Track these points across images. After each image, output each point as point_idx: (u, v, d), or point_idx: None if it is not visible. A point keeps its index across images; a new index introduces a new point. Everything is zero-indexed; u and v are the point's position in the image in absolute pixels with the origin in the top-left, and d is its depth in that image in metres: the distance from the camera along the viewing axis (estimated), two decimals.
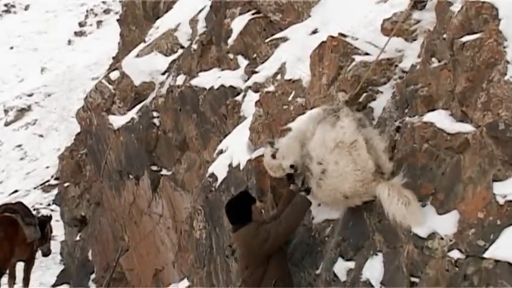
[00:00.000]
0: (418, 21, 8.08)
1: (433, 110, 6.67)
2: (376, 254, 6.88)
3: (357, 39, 8.57)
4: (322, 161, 7.24)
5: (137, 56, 17.36)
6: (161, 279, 15.57)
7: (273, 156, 7.88)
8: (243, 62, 12.93)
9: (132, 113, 16.15)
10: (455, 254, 5.95)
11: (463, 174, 6.12)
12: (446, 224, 6.10)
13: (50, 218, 20.42)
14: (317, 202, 7.83)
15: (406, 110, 7.12)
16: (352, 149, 7.02)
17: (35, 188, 35.42)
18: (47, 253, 20.38)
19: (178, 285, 13.33)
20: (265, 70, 11.23)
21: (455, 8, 6.66)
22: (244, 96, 11.69)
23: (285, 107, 9.29)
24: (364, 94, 7.95)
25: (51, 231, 20.57)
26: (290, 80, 9.69)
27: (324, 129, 7.33)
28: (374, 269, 6.80)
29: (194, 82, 13.76)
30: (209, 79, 13.33)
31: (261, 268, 7.78)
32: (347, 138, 7.06)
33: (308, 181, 7.54)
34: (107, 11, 62.51)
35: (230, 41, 13.43)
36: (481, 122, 6.04)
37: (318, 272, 7.71)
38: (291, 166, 7.71)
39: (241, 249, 8.16)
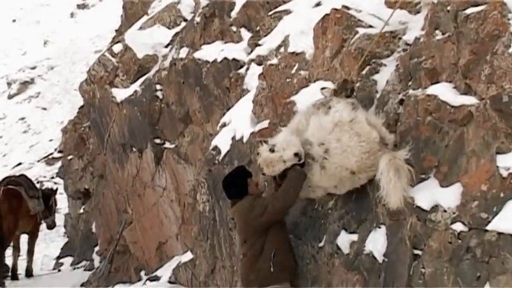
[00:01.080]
0: None
1: (436, 82, 6.66)
2: (379, 227, 6.89)
3: (360, 11, 8.53)
4: (323, 142, 7.18)
5: (140, 28, 17.30)
6: (165, 252, 15.62)
7: (271, 150, 7.62)
8: (246, 35, 12.90)
9: (135, 86, 16.12)
10: (458, 227, 5.96)
11: (467, 147, 6.12)
12: (449, 197, 6.11)
13: (54, 191, 20.52)
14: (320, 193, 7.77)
15: (410, 83, 7.11)
16: (353, 124, 7.00)
17: (38, 161, 35.54)
18: (51, 226, 20.51)
19: (181, 258, 13.38)
20: (269, 43, 11.19)
21: None
22: (247, 69, 11.67)
23: (288, 79, 9.27)
24: (368, 67, 7.93)
25: (56, 204, 20.69)
26: (293, 52, 9.66)
27: (319, 117, 7.29)
28: (377, 241, 6.82)
29: (197, 55, 13.73)
30: (212, 52, 13.30)
31: (260, 240, 7.82)
32: (344, 117, 7.05)
33: (310, 169, 7.42)
34: None
35: (233, 14, 13.40)
36: (484, 94, 6.04)
37: (321, 244, 7.73)
38: (295, 154, 7.42)
39: (239, 222, 8.21)
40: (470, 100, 6.20)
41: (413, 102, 6.74)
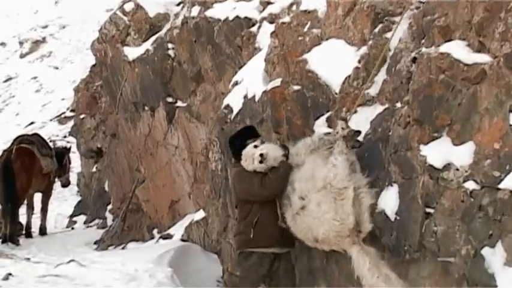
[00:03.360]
0: None
1: (450, 40, 6.62)
2: (392, 185, 6.91)
3: None
4: (305, 197, 7.25)
5: None
6: (177, 210, 15.69)
7: (255, 146, 7.80)
8: None
9: (147, 45, 16.07)
10: (470, 185, 5.97)
11: (480, 105, 6.10)
12: (462, 155, 6.12)
13: (68, 149, 20.56)
14: None
15: (423, 41, 7.07)
16: (339, 196, 7.00)
17: (51, 120, 35.57)
18: (66, 184, 20.57)
19: (194, 216, 13.45)
20: (281, 1, 11.14)
21: None
22: (259, 27, 11.61)
23: (300, 38, 9.22)
24: (380, 25, 7.89)
25: (70, 163, 20.72)
26: (306, 10, 9.59)
27: (315, 163, 7.29)
28: (389, 199, 6.85)
29: (209, 13, 13.64)
30: (224, 10, 13.21)
31: (247, 207, 8.03)
32: (337, 182, 7.01)
33: (285, 210, 7.51)
34: None
35: None
36: (498, 52, 6.01)
37: None
38: (260, 155, 7.60)
39: (234, 186, 8.48)
40: (483, 58, 6.17)
41: (426, 60, 6.70)
